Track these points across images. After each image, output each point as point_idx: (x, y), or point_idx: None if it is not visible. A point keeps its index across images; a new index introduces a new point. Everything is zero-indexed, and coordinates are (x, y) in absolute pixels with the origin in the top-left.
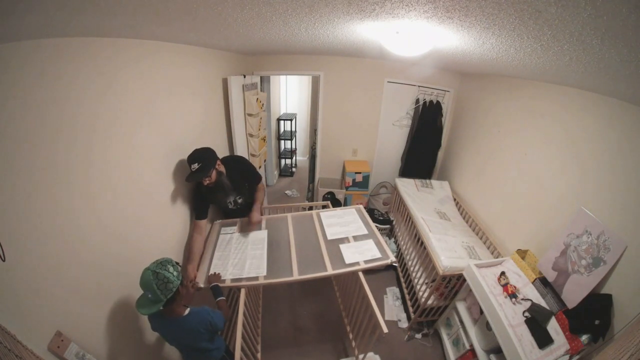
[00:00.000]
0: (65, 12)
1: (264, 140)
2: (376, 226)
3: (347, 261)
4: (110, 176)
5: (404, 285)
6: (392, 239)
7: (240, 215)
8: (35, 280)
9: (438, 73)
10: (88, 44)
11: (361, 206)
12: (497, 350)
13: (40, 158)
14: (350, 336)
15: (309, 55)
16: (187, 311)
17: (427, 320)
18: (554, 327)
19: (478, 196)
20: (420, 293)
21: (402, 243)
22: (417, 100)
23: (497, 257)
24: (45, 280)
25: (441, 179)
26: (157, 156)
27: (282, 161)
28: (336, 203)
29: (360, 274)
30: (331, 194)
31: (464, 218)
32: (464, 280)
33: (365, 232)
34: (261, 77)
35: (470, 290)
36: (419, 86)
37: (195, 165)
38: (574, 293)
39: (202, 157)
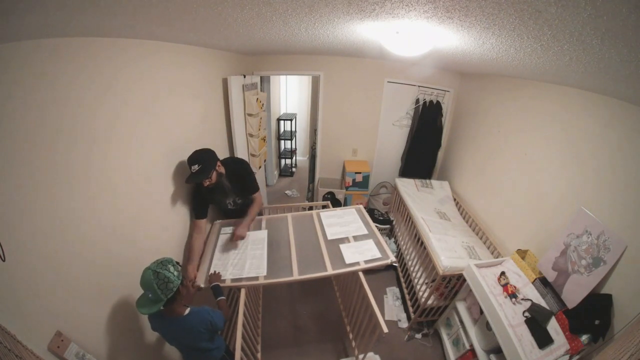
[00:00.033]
0: (65, 12)
1: (264, 140)
2: (376, 226)
3: (347, 261)
4: (110, 176)
5: (404, 285)
6: (392, 239)
7: (239, 215)
8: (35, 280)
9: (438, 73)
10: (88, 44)
11: (361, 206)
12: (497, 350)
13: (40, 158)
14: (350, 336)
15: (309, 55)
16: (187, 311)
17: (427, 320)
18: (554, 327)
19: (478, 196)
20: (420, 293)
21: (402, 243)
22: (417, 100)
23: (497, 257)
24: (45, 280)
25: (441, 179)
26: (157, 156)
27: (282, 161)
28: (336, 203)
29: (360, 274)
30: (331, 194)
31: (464, 218)
32: (464, 280)
33: (365, 232)
34: (261, 77)
35: (470, 290)
36: (419, 86)
37: (196, 167)
38: (574, 293)
39: (203, 158)
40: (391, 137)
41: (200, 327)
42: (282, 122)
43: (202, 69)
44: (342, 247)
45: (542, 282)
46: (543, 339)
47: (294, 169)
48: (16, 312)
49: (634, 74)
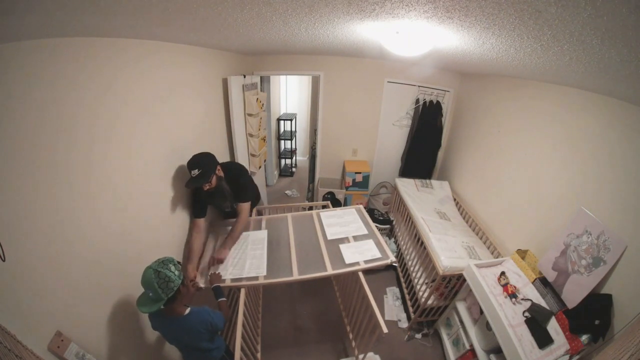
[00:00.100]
0: (65, 12)
1: (264, 140)
2: (376, 226)
3: (347, 261)
4: (110, 176)
5: (404, 285)
6: (392, 239)
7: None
8: (35, 280)
9: (438, 73)
10: (88, 44)
11: (361, 206)
12: (497, 350)
13: (40, 158)
14: (350, 336)
15: (309, 55)
16: (187, 311)
17: (427, 320)
18: (554, 327)
19: (478, 196)
20: (420, 293)
21: (402, 243)
22: (417, 100)
23: (497, 257)
24: (45, 280)
25: (441, 179)
26: (157, 156)
27: (282, 161)
28: (336, 203)
29: (360, 274)
30: (331, 194)
31: (464, 218)
32: (464, 280)
33: (365, 232)
34: (261, 77)
35: (470, 290)
36: (419, 86)
37: (196, 172)
38: (574, 293)
39: (203, 162)
40: (391, 137)
41: (200, 327)
42: (282, 122)
43: (202, 69)
44: (342, 247)
45: (542, 282)
46: (543, 339)
47: (294, 169)
48: (16, 312)
49: (634, 74)
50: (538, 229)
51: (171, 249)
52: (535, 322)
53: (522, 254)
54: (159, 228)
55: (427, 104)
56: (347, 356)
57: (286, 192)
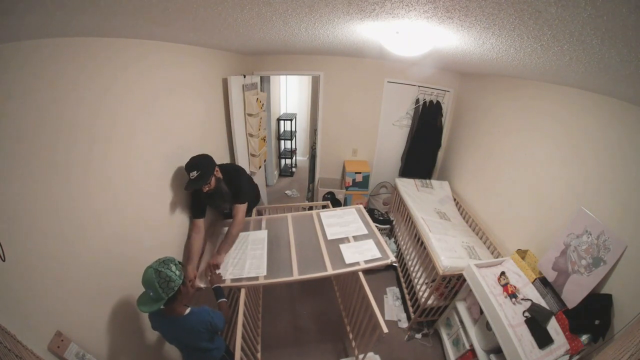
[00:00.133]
0: (65, 12)
1: (264, 140)
2: (376, 226)
3: (347, 261)
4: (110, 176)
5: (404, 285)
6: (392, 239)
7: None
8: (35, 280)
9: (438, 73)
10: (88, 44)
11: (361, 206)
12: (497, 350)
13: (40, 158)
14: (350, 336)
15: (309, 55)
16: (187, 311)
17: (427, 320)
18: (554, 327)
19: (478, 196)
20: (420, 293)
21: (402, 243)
22: (417, 100)
23: (497, 257)
24: (45, 280)
25: (441, 179)
26: (157, 156)
27: (282, 161)
28: (336, 203)
29: (360, 274)
30: (331, 194)
31: (464, 218)
32: (464, 280)
33: (365, 232)
34: (261, 77)
35: (470, 290)
36: (419, 86)
37: (194, 173)
38: (574, 293)
39: (201, 164)
40: (391, 137)
41: (200, 327)
42: (282, 122)
43: (202, 69)
44: (342, 247)
45: (542, 282)
46: (543, 339)
47: (294, 169)
48: (16, 312)
49: (634, 74)
50: (538, 229)
51: (171, 249)
52: (535, 322)
53: (522, 254)
54: (159, 228)
55: (427, 104)
56: (347, 356)
57: (286, 192)
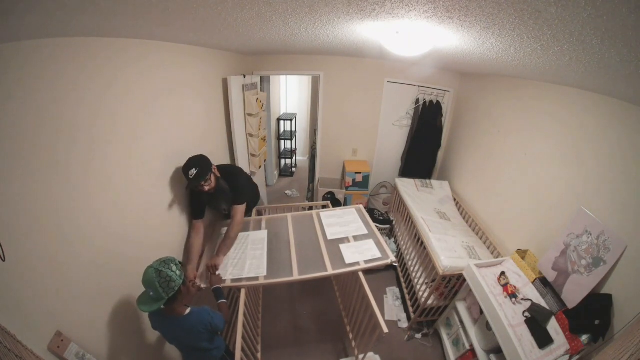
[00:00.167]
0: (65, 12)
1: (264, 140)
2: (376, 226)
3: (347, 261)
4: (110, 176)
5: (404, 285)
6: (392, 239)
7: None
8: (35, 280)
9: (438, 73)
10: (88, 44)
11: (361, 206)
12: (497, 350)
13: (40, 158)
14: (350, 336)
15: (309, 55)
16: (187, 311)
17: (427, 320)
18: (554, 327)
19: (478, 196)
20: (420, 293)
21: (402, 243)
22: (417, 100)
23: (497, 257)
24: (45, 280)
25: (441, 179)
26: (157, 156)
27: (282, 161)
28: (336, 203)
29: (361, 274)
30: (331, 194)
31: (464, 218)
32: (464, 280)
33: (365, 232)
34: (261, 77)
35: (470, 290)
36: (419, 86)
37: (193, 171)
38: (574, 293)
39: (198, 162)
40: (391, 137)
41: (200, 327)
42: (282, 122)
43: (202, 69)
44: (342, 247)
45: (542, 282)
46: (543, 339)
47: (294, 169)
48: (16, 312)
49: (634, 74)
50: (538, 229)
51: (171, 249)
52: (535, 322)
53: (522, 254)
54: (159, 228)
55: (427, 104)
56: (347, 356)
57: (286, 192)
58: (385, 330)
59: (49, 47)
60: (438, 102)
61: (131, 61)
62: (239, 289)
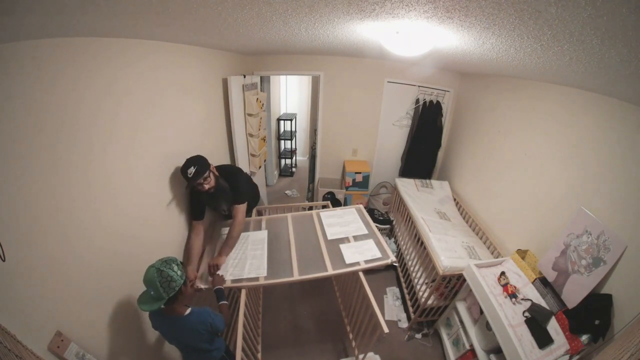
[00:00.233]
0: (66, 12)
1: (264, 140)
2: (376, 226)
3: (348, 261)
4: (110, 176)
5: (404, 285)
6: (392, 239)
7: None
8: (35, 280)
9: (438, 73)
10: (88, 44)
11: (361, 206)
12: (497, 350)
13: (40, 158)
14: (350, 336)
15: (309, 55)
16: (188, 311)
17: (427, 320)
18: (554, 327)
19: (478, 196)
20: (420, 293)
21: (402, 243)
22: (417, 100)
23: (497, 257)
24: (45, 280)
25: (441, 179)
26: (157, 156)
27: (282, 161)
28: (336, 203)
29: (361, 274)
30: (331, 194)
31: (464, 218)
32: (464, 280)
33: (366, 232)
34: (261, 77)
35: (470, 290)
36: (419, 86)
37: (192, 169)
38: (574, 293)
39: (196, 161)
40: (391, 137)
41: (200, 327)
42: (282, 122)
43: (202, 69)
44: (342, 247)
45: (542, 282)
46: (543, 339)
47: (294, 169)
48: (16, 312)
49: (634, 74)
50: (538, 229)
51: (171, 249)
52: (535, 322)
53: (522, 254)
54: (159, 228)
55: (427, 104)
56: (347, 356)
57: (286, 192)
58: (386, 330)
59: (49, 47)
60: (438, 102)
61: (131, 61)
62: (239, 289)
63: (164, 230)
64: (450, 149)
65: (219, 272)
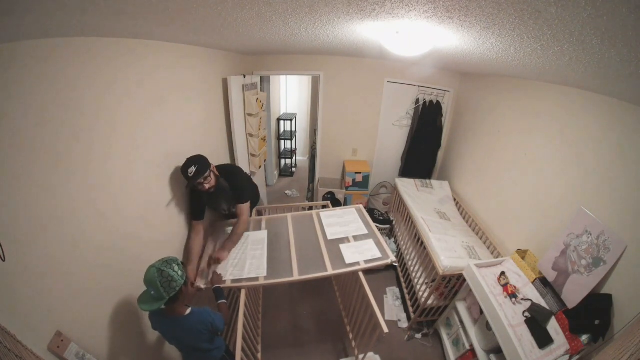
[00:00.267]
0: (65, 12)
1: (264, 140)
2: (376, 226)
3: (347, 261)
4: (111, 176)
5: (404, 285)
6: (392, 239)
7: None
8: (35, 280)
9: (438, 73)
10: (88, 44)
11: (361, 206)
12: (497, 350)
13: (40, 158)
14: (350, 336)
15: (309, 55)
16: (188, 311)
17: (427, 320)
18: (554, 327)
19: (478, 196)
20: (420, 293)
21: (402, 243)
22: (417, 100)
23: (497, 257)
24: (45, 280)
25: (441, 179)
26: (157, 156)
27: (282, 161)
28: (336, 203)
29: (361, 274)
30: (331, 194)
31: (464, 218)
32: (464, 280)
33: (366, 232)
34: (261, 77)
35: (470, 290)
36: (419, 86)
37: (193, 168)
38: (574, 293)
39: (196, 160)
40: (391, 137)
41: (200, 327)
42: (282, 122)
43: (202, 69)
44: (342, 247)
45: (542, 282)
46: (543, 339)
47: (294, 169)
48: (16, 312)
49: (634, 74)
50: (538, 229)
51: (172, 249)
52: (535, 322)
53: (522, 254)
54: (159, 228)
55: (427, 104)
56: (347, 356)
57: (286, 192)
58: (386, 330)
59: (49, 47)
60: (438, 102)
61: (131, 61)
62: (239, 289)
63: (164, 230)
64: (450, 149)
65: (218, 271)
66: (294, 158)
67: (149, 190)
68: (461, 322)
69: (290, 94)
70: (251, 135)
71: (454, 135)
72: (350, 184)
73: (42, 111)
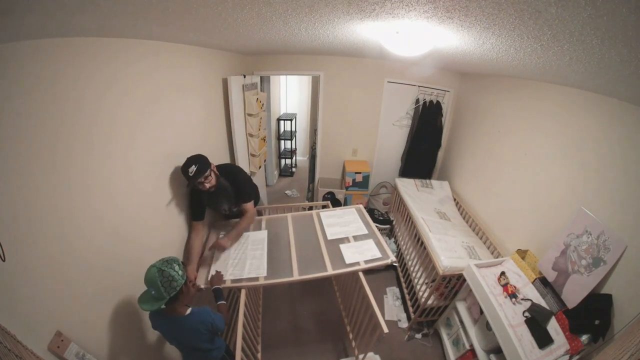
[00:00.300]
0: (66, 12)
1: (264, 140)
2: (376, 226)
3: (347, 261)
4: (110, 176)
5: (404, 285)
6: (392, 239)
7: (236, 217)
8: (35, 280)
9: (438, 73)
10: (88, 44)
11: (361, 206)
12: (497, 350)
13: (40, 158)
14: (350, 336)
15: (309, 55)
16: (188, 311)
17: (427, 320)
18: (554, 327)
19: (478, 196)
20: (420, 293)
21: (402, 243)
22: (417, 100)
23: (497, 257)
24: (45, 280)
25: (441, 179)
26: (156, 156)
27: (282, 161)
28: (336, 203)
29: (361, 274)
30: (331, 194)
31: (464, 218)
32: (464, 280)
33: (366, 232)
34: (261, 77)
35: (470, 290)
36: (419, 86)
37: (193, 168)
38: (574, 293)
39: (196, 159)
40: (391, 137)
41: (200, 327)
42: (282, 122)
43: (202, 69)
44: (342, 247)
45: (542, 282)
46: (543, 339)
47: (294, 169)
48: (16, 312)
49: (634, 74)
50: (538, 229)
51: (171, 249)
52: (535, 322)
53: (522, 254)
54: (159, 228)
55: (427, 104)
56: (347, 356)
57: (286, 192)
58: (386, 330)
59: (49, 47)
60: (438, 102)
61: (131, 61)
62: (239, 289)
63: (163, 230)
64: (450, 149)
65: (218, 269)
66: (294, 158)
67: (149, 190)
68: (461, 322)
69: (290, 94)
70: (251, 135)
71: (453, 135)
72: (350, 184)
73: (42, 111)
